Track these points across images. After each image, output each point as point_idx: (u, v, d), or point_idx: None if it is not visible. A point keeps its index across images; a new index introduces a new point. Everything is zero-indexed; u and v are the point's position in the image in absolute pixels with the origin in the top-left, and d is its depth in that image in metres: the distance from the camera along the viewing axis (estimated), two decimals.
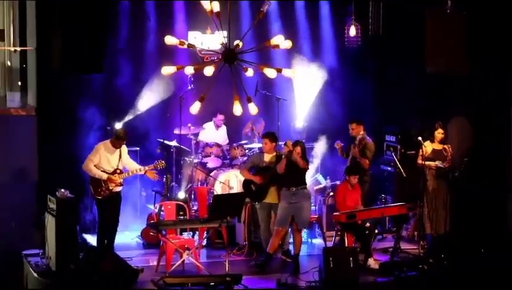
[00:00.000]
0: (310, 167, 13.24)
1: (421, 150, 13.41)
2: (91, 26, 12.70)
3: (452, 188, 13.50)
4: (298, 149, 12.48)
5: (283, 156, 12.51)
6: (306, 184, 12.70)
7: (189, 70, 11.84)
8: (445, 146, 13.49)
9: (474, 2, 13.38)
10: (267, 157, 12.91)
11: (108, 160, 12.55)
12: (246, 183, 13.05)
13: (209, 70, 11.62)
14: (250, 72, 11.89)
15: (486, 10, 13.45)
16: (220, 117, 15.30)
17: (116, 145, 12.58)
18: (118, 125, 14.40)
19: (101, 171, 12.45)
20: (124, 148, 12.75)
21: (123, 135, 12.66)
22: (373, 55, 15.65)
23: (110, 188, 12.50)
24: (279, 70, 11.89)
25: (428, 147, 13.42)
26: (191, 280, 11.54)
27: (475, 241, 12.90)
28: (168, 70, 11.87)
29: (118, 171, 12.58)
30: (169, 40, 11.76)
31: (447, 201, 13.45)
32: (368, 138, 13.92)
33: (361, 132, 13.81)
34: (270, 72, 11.85)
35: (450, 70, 13.40)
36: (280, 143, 13.25)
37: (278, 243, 12.75)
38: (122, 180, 12.64)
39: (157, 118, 15.36)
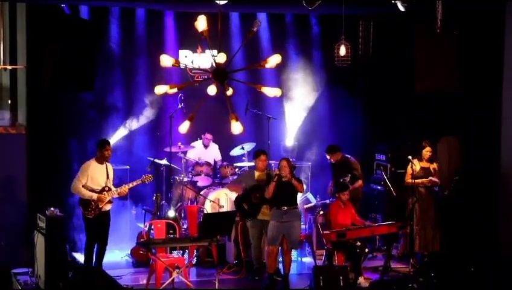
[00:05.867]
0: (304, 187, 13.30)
1: (409, 168, 13.43)
2: (81, 45, 12.69)
3: (441, 206, 13.51)
4: (284, 163, 12.44)
5: (272, 180, 12.46)
6: (297, 204, 12.70)
7: (212, 90, 11.57)
8: (434, 165, 13.51)
9: (464, 21, 13.40)
10: (258, 175, 12.92)
11: (96, 178, 12.53)
12: (238, 202, 13.04)
13: (211, 90, 11.48)
14: (230, 91, 11.78)
15: (476, 30, 13.49)
16: (208, 136, 15.35)
17: (101, 159, 12.56)
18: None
19: (90, 190, 12.41)
20: (110, 167, 12.73)
21: (101, 142, 12.68)
22: (363, 74, 15.69)
23: (100, 206, 12.46)
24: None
25: (417, 165, 13.44)
26: None
27: (465, 259, 12.88)
28: (160, 89, 11.78)
29: (107, 188, 12.55)
30: (165, 60, 11.56)
31: (436, 219, 13.45)
32: (349, 157, 13.98)
33: (340, 156, 13.87)
34: (267, 91, 11.77)
35: (439, 90, 13.41)
36: (271, 162, 13.25)
37: (275, 261, 12.69)
38: (111, 198, 12.59)
39: (148, 137, 15.38)
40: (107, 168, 12.66)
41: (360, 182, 13.86)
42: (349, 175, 13.69)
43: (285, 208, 12.43)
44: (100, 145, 12.66)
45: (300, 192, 12.66)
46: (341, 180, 13.64)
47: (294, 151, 15.81)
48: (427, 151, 13.48)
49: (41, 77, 12.82)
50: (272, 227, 12.52)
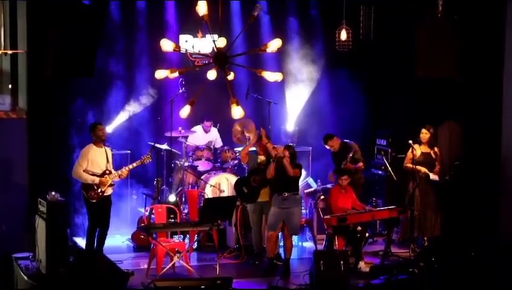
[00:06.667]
0: (302, 172, 13.28)
1: (410, 153, 13.46)
2: (82, 30, 12.69)
3: (441, 191, 13.54)
4: (287, 153, 12.47)
5: (271, 160, 12.51)
6: (298, 190, 12.72)
7: (211, 75, 11.58)
8: (435, 149, 13.53)
9: (465, 7, 13.40)
10: (261, 160, 12.98)
11: (96, 162, 12.55)
12: (238, 185, 13.08)
13: (211, 74, 11.48)
14: (231, 76, 11.79)
15: (477, 16, 13.49)
16: (208, 123, 15.36)
17: (98, 142, 12.59)
18: (109, 129, 14.41)
19: (91, 174, 12.43)
20: (109, 151, 12.78)
21: (92, 125, 12.73)
22: (364, 59, 15.67)
23: (103, 190, 12.49)
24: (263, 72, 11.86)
25: (417, 150, 13.46)
26: (181, 283, 11.50)
27: (466, 244, 12.90)
28: (161, 74, 11.76)
29: (107, 172, 12.58)
30: (165, 44, 11.55)
31: (436, 204, 13.49)
32: (348, 141, 14.02)
33: (339, 143, 13.91)
34: (268, 76, 11.77)
35: (440, 75, 13.42)
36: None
37: (275, 246, 12.76)
38: (112, 181, 12.62)
39: (149, 121, 15.41)
40: (106, 152, 12.69)
41: (360, 163, 13.87)
42: (350, 155, 13.66)
43: (286, 194, 12.46)
44: (92, 128, 12.68)
45: (292, 175, 12.63)
46: (342, 162, 13.65)
47: (294, 135, 15.82)
48: (423, 133, 13.49)
49: (42, 62, 12.84)
50: (272, 213, 12.56)
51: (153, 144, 14.54)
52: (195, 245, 13.48)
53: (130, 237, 14.05)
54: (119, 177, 12.72)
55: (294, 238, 13.43)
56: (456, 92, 14.07)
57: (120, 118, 15.11)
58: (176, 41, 14.52)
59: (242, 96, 14.20)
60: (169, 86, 14.95)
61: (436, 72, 13.38)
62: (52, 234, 11.85)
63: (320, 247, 13.51)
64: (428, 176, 13.35)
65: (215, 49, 11.62)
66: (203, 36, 15.19)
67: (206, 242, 13.70)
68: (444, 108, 14.41)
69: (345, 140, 14.09)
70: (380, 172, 15.04)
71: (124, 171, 12.77)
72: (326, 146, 14.06)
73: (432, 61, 13.36)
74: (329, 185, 14.20)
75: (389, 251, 13.18)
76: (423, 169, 13.34)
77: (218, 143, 15.43)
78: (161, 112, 15.31)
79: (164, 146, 14.75)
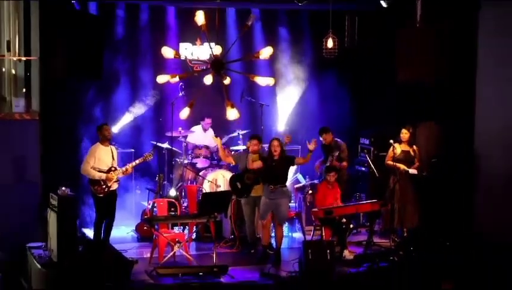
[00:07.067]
0: (292, 168, 13.44)
1: (391, 151, 13.55)
2: (90, 37, 12.77)
3: (420, 186, 13.56)
4: (275, 142, 12.61)
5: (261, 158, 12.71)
6: (285, 183, 12.71)
7: (208, 80, 11.81)
8: (414, 147, 13.62)
9: (441, 16, 13.50)
10: (252, 158, 12.99)
11: (102, 160, 12.58)
12: (232, 181, 13.14)
13: (208, 79, 11.69)
14: (227, 80, 11.97)
15: (452, 25, 13.54)
16: (207, 121, 15.28)
17: (105, 141, 12.66)
18: (114, 129, 14.53)
19: (98, 171, 12.56)
20: (114, 149, 12.86)
21: (99, 127, 12.79)
22: (349, 65, 15.75)
23: (109, 185, 12.56)
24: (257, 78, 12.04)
25: (398, 148, 13.53)
26: (181, 271, 11.71)
27: (441, 235, 13.03)
28: (162, 78, 11.94)
29: (113, 168, 12.62)
30: (166, 52, 11.79)
31: (415, 198, 13.56)
32: (339, 140, 14.14)
33: (331, 137, 14.06)
34: (260, 80, 11.98)
35: (419, 80, 13.50)
36: (264, 145, 13.39)
37: (268, 234, 12.85)
38: (117, 177, 12.76)
39: (151, 122, 15.43)
40: (111, 150, 12.74)
41: (344, 163, 14.02)
42: (337, 153, 13.81)
43: (272, 186, 12.54)
44: (99, 129, 12.72)
45: (301, 163, 12.98)
46: (329, 158, 13.78)
47: (285, 135, 15.84)
48: (402, 133, 13.51)
49: (53, 67, 12.88)
50: (262, 203, 12.64)
51: (155, 142, 14.65)
52: (194, 236, 13.48)
53: (134, 229, 14.10)
54: (123, 173, 12.77)
55: (285, 229, 13.55)
56: (433, 94, 14.08)
57: (125, 119, 15.11)
58: (176, 48, 14.55)
59: (237, 99, 14.36)
60: (170, 90, 14.95)
61: (415, 77, 13.45)
62: (62, 226, 11.86)
63: (309, 237, 13.60)
64: (408, 171, 13.45)
65: (213, 56, 11.78)
66: (201, 44, 15.22)
67: (204, 233, 13.70)
68: (422, 109, 14.39)
69: (337, 139, 14.19)
70: (363, 169, 15.06)
71: (128, 167, 12.86)
72: (320, 137, 14.03)
73: (411, 66, 13.40)
74: (316, 181, 14.33)
75: (371, 241, 13.17)
76: (402, 166, 13.41)
77: (213, 143, 15.50)
78: (162, 113, 15.31)
79: (165, 145, 14.78)
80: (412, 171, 13.42)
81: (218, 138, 13.32)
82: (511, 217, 12.80)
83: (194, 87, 13.73)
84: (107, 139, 12.71)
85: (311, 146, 12.49)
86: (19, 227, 13.16)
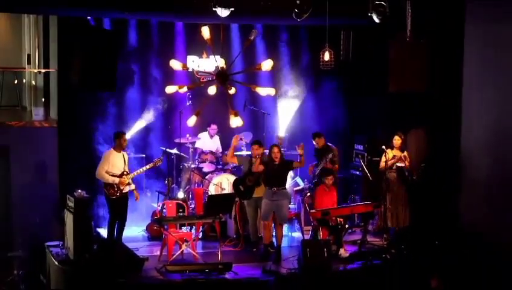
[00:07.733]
0: (291, 173, 13.35)
1: (384, 157, 13.50)
2: (104, 51, 12.71)
3: (410, 189, 13.54)
4: (275, 149, 12.59)
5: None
6: (285, 185, 12.77)
7: (212, 90, 11.76)
8: (404, 153, 13.56)
9: (430, 31, 13.43)
10: (255, 161, 12.93)
11: (116, 165, 12.59)
12: (235, 184, 13.10)
13: (212, 90, 11.63)
14: (232, 90, 11.91)
15: (440, 38, 13.51)
16: (214, 127, 15.23)
17: (118, 148, 12.63)
18: (127, 135, 14.42)
19: (111, 175, 12.48)
20: (126, 155, 12.83)
21: (117, 134, 12.78)
22: (344, 76, 15.70)
23: (122, 188, 12.54)
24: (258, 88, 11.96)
25: (390, 153, 13.51)
26: (189, 268, 11.68)
27: (430, 234, 12.95)
28: (171, 89, 11.91)
29: (125, 173, 12.63)
30: (174, 64, 11.75)
31: (406, 200, 13.50)
32: (331, 144, 14.04)
33: (323, 142, 13.95)
34: (261, 91, 11.91)
35: (409, 90, 13.42)
36: (266, 151, 13.31)
37: (270, 234, 12.81)
38: (130, 180, 12.67)
39: (161, 130, 15.34)
40: (123, 156, 12.74)
41: (336, 166, 13.90)
42: (329, 157, 13.68)
43: (275, 188, 12.55)
44: (117, 136, 12.73)
45: (298, 167, 12.96)
46: (322, 160, 13.66)
47: (285, 141, 15.81)
48: (395, 140, 13.55)
49: (70, 79, 12.86)
50: (264, 204, 12.64)
51: (164, 148, 14.60)
52: (200, 235, 13.51)
53: (145, 228, 14.07)
54: (134, 175, 12.78)
55: (285, 229, 13.49)
56: (422, 103, 14.03)
57: (136, 126, 15.03)
58: (184, 61, 14.52)
59: (241, 108, 14.29)
60: (178, 99, 14.90)
61: (406, 88, 13.36)
62: (78, 226, 11.91)
63: (307, 237, 13.51)
64: (400, 170, 13.40)
65: (219, 68, 11.71)
66: (207, 57, 15.25)
67: (210, 232, 13.69)
68: (412, 117, 14.36)
69: (329, 143, 14.13)
70: (358, 173, 15.00)
71: (139, 172, 12.83)
72: (313, 141, 13.99)
73: (402, 77, 13.32)
74: (309, 184, 14.20)
75: (365, 240, 13.15)
76: (393, 160, 13.40)
77: (219, 149, 15.44)
78: (171, 121, 15.21)
79: (174, 151, 14.72)
80: (401, 164, 13.37)
81: (238, 137, 13.25)
82: (493, 217, 12.70)
83: (201, 97, 13.65)
84: (122, 148, 12.68)
85: (299, 150, 12.62)
86: (38, 227, 13.18)
